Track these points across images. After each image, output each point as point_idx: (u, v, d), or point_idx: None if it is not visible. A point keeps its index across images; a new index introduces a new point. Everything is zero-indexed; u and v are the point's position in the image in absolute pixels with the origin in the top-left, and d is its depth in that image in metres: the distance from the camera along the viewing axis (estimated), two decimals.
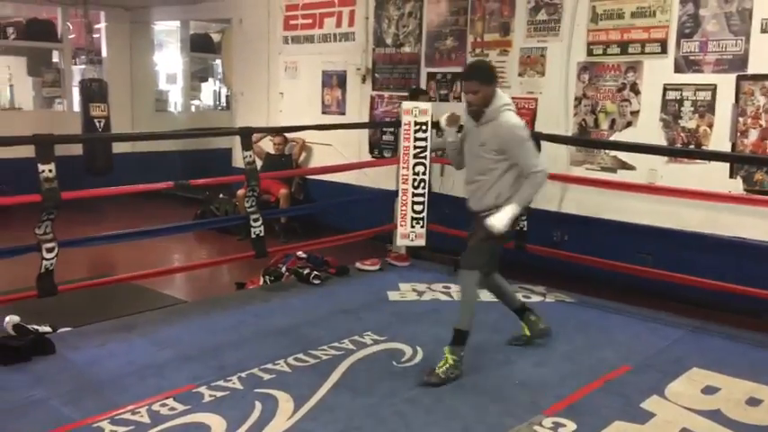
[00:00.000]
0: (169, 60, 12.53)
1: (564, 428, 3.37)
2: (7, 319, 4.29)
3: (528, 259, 5.97)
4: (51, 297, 4.50)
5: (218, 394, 3.65)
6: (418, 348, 4.33)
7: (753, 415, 3.56)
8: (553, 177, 5.92)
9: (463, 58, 7.00)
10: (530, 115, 6.55)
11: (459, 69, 7.03)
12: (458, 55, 7.07)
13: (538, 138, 5.91)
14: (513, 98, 6.46)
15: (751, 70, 5.27)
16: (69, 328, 4.57)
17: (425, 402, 3.64)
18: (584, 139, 6.22)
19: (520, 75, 6.61)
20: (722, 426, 3.43)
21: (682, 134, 5.66)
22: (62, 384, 3.76)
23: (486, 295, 4.43)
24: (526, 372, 4.08)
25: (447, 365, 3.88)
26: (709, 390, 3.84)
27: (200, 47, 12.37)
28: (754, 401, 3.72)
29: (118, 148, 9.19)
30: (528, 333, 4.47)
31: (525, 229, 5.82)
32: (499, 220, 3.86)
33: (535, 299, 5.46)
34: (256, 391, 3.69)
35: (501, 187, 3.96)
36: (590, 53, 6.12)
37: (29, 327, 4.31)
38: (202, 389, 3.69)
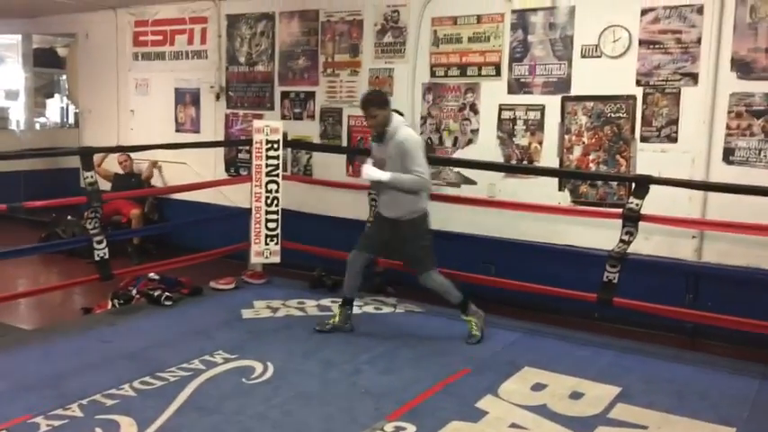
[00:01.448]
0: (10, 75, 11.80)
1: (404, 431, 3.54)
2: None
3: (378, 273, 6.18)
4: None
5: (56, 423, 3.53)
6: (269, 364, 4.38)
7: (575, 408, 3.91)
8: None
9: (316, 77, 7.16)
10: None
11: (312, 89, 7.20)
12: (310, 74, 7.22)
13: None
14: (363, 116, 6.83)
15: (573, 92, 5.78)
16: None
17: (273, 417, 3.71)
18: (430, 157, 6.48)
19: None
20: (547, 419, 3.75)
21: (516, 151, 6.09)
22: None
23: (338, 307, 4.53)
24: (372, 380, 4.24)
25: (476, 322, 4.92)
26: (538, 387, 4.17)
27: (45, 61, 11.76)
28: (576, 395, 4.08)
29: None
30: (335, 321, 5.07)
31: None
32: (371, 170, 4.81)
33: (386, 310, 5.67)
34: (97, 417, 3.60)
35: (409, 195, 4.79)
36: (433, 74, 6.46)
37: None
38: (39, 419, 3.56)
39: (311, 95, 7.23)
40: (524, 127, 6.03)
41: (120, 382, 4.03)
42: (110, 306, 5.65)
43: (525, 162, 6.04)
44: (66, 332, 4.96)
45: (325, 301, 5.81)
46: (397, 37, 6.62)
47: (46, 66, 11.83)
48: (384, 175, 4.75)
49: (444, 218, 6.36)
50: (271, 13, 7.43)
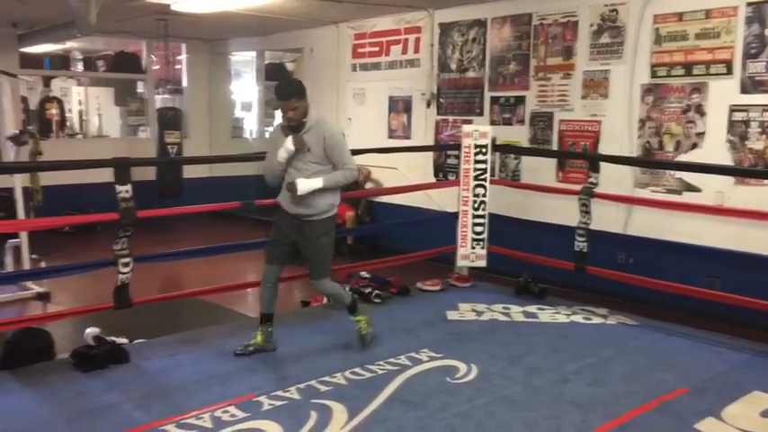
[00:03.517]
0: (245, 89, 13.04)
1: None
2: (88, 330, 4.60)
3: (589, 281, 5.95)
4: (128, 311, 4.78)
5: (277, 403, 3.82)
6: (473, 366, 4.39)
7: None
8: (617, 199, 5.96)
9: (526, 81, 7.08)
10: (593, 137, 6.56)
11: (522, 93, 7.13)
12: (521, 78, 7.15)
13: (598, 159, 5.97)
14: (575, 121, 6.65)
15: None
16: (143, 340, 4.85)
17: (477, 417, 3.70)
18: (650, 161, 6.16)
19: (583, 97, 6.62)
20: None
21: (749, 155, 5.55)
22: (134, 390, 4.02)
23: (546, 315, 4.42)
24: (580, 390, 4.08)
25: (367, 319, 4.74)
26: None
27: (275, 75, 12.82)
28: None
29: (196, 172, 9.66)
30: (256, 342, 4.66)
31: (586, 250, 5.79)
32: (305, 183, 4.31)
33: (596, 320, 5.43)
34: (313, 401, 3.84)
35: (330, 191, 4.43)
36: (654, 75, 6.09)
37: (107, 338, 4.61)
38: (262, 398, 3.87)
39: (521, 100, 7.15)
40: (759, 129, 5.47)
41: (334, 370, 4.27)
42: (325, 301, 6.00)
43: (760, 167, 5.48)
44: (287, 322, 5.33)
45: (531, 308, 5.70)
46: (615, 37, 6.34)
47: (276, 79, 12.87)
48: (317, 183, 4.31)
49: (661, 226, 6.01)
50: (483, 19, 7.47)
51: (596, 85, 6.51)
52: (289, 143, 4.34)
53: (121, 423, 3.59)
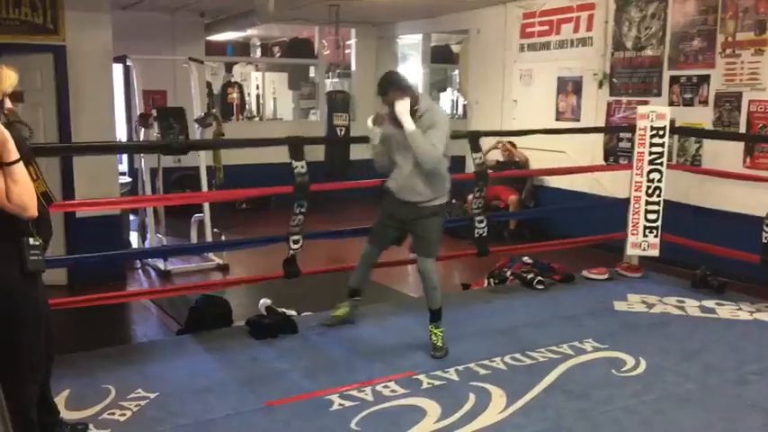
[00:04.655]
0: (411, 72, 13.16)
1: None
2: (261, 301, 4.90)
3: None
4: (297, 286, 5.02)
5: (436, 383, 3.85)
6: (641, 359, 4.17)
7: None
8: None
9: (712, 59, 6.55)
10: None
11: (706, 71, 6.61)
12: (705, 56, 6.63)
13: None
14: (762, 101, 6.08)
15: None
16: (310, 313, 5.08)
17: (645, 413, 3.52)
18: None
19: None
20: None
21: None
22: (302, 359, 4.23)
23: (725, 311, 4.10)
24: (763, 393, 3.76)
25: (442, 337, 4.29)
26: None
27: (440, 58, 12.86)
28: None
29: (360, 153, 9.91)
30: (340, 314, 4.72)
31: None
32: (403, 106, 4.09)
33: None
34: (472, 383, 3.83)
35: (444, 178, 4.29)
36: None
37: (278, 309, 4.88)
38: (422, 376, 3.92)
39: (705, 79, 6.63)
40: None
41: (493, 354, 4.23)
42: (485, 284, 5.96)
43: None
44: (447, 303, 5.29)
45: (709, 303, 5.31)
46: None
47: (441, 62, 12.94)
48: (411, 125, 4.06)
49: None
50: None
51: None
52: (369, 122, 4.40)
53: (291, 389, 3.80)
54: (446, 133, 4.19)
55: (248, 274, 6.64)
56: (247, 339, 4.52)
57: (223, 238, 7.19)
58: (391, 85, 4.22)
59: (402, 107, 4.11)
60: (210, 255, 7.25)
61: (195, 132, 7.41)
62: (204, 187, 7.31)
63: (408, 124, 4.08)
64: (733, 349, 4.41)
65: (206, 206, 7.28)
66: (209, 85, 10.92)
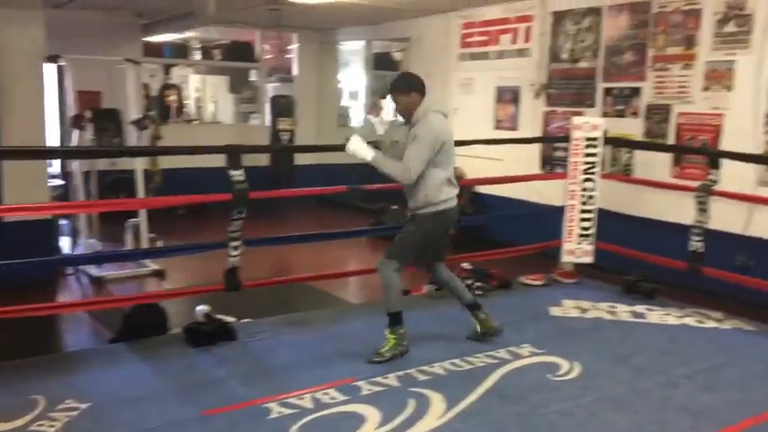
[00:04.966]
0: (353, 78, 13.20)
1: None
2: (199, 308, 4.80)
3: (703, 283, 5.66)
4: (236, 291, 4.96)
5: (376, 389, 3.86)
6: (576, 363, 4.27)
7: None
8: (738, 198, 5.63)
9: (642, 72, 6.79)
10: (714, 132, 6.22)
11: (637, 84, 6.85)
12: (637, 69, 6.86)
13: (720, 155, 5.65)
14: (695, 114, 6.32)
15: None
16: (250, 320, 5.02)
17: (579, 416, 3.61)
18: None
19: (704, 89, 6.29)
20: None
21: None
22: (240, 367, 4.17)
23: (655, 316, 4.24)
24: (690, 396, 3.89)
25: (389, 345, 4.28)
26: None
27: (382, 65, 12.91)
28: None
29: (302, 159, 9.87)
30: (479, 329, 4.63)
31: (701, 251, 5.51)
32: (354, 143, 4.23)
33: (710, 324, 5.16)
34: (411, 389, 3.85)
35: (427, 187, 4.25)
36: None
37: (216, 316, 4.80)
38: (362, 383, 3.92)
39: (636, 91, 6.87)
40: None
41: (433, 360, 4.26)
42: (424, 290, 6.00)
43: None
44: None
45: (640, 308, 5.48)
46: (742, 26, 5.97)
47: (383, 68, 12.99)
48: (367, 153, 4.18)
49: None
50: (598, 7, 7.22)
51: (719, 77, 6.16)
52: (352, 140, 4.37)
53: (228, 398, 3.74)
54: (428, 147, 4.15)
55: (186, 280, 6.53)
56: (184, 347, 4.44)
57: (160, 243, 7.04)
58: (394, 88, 4.32)
59: (354, 145, 4.23)
60: (146, 261, 7.09)
61: (132, 135, 7.24)
62: (140, 192, 7.14)
63: (364, 155, 4.20)
64: (662, 353, 4.56)
65: (142, 210, 7.12)
66: (146, 86, 10.68)
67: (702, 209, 5.49)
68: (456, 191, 4.45)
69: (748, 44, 5.94)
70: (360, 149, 4.22)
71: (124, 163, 7.41)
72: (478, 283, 5.82)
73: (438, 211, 4.32)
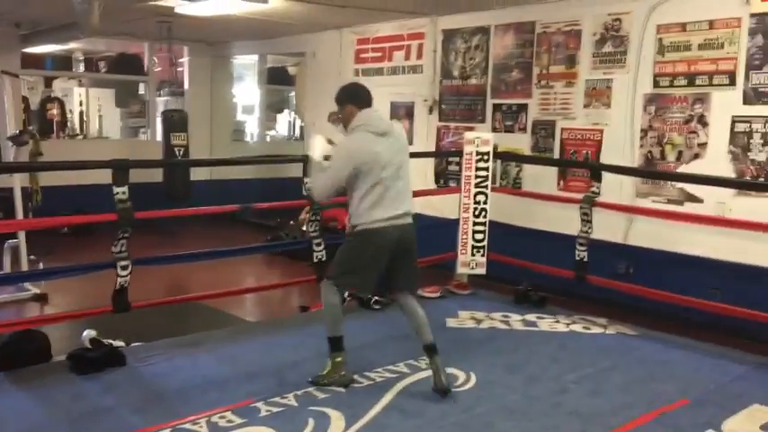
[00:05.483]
0: (247, 92, 13.03)
1: None
2: (85, 333, 4.57)
3: (589, 291, 5.94)
4: (127, 314, 4.76)
5: (274, 410, 3.80)
6: (472, 374, 4.37)
7: None
8: (618, 209, 5.95)
9: (529, 89, 7.07)
10: (595, 146, 6.54)
11: (524, 101, 7.12)
12: (524, 86, 7.14)
13: (600, 168, 5.95)
14: (577, 129, 6.63)
15: None
16: (140, 343, 4.83)
17: (475, 426, 3.68)
18: (651, 171, 6.15)
19: (585, 106, 6.61)
20: None
21: (751, 167, 5.53)
22: (130, 394, 4.00)
23: (545, 324, 4.38)
24: (580, 401, 4.06)
25: (326, 370, 4.15)
26: None
27: (277, 79, 12.85)
28: None
29: (197, 175, 9.62)
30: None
31: (586, 260, 5.78)
32: (316, 140, 4.18)
33: (595, 330, 5.41)
34: (310, 408, 3.82)
35: (353, 207, 4.08)
36: (656, 85, 6.08)
37: (104, 341, 4.58)
38: (259, 404, 3.85)
39: (523, 108, 7.15)
40: (762, 141, 5.46)
41: None
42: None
43: (762, 179, 5.47)
44: (286, 327, 5.32)
45: (531, 317, 5.68)
46: (618, 46, 6.33)
47: (278, 83, 12.92)
48: (316, 155, 4.11)
49: (662, 236, 6.00)
50: (486, 26, 7.47)
51: (599, 94, 6.50)
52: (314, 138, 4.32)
53: (117, 427, 3.58)
54: (336, 169, 4.00)
55: (70, 303, 6.19)
56: (69, 375, 4.21)
57: (41, 265, 6.65)
58: (336, 101, 4.20)
59: (316, 141, 4.17)
60: (26, 284, 6.67)
61: (9, 151, 6.82)
62: (19, 212, 6.72)
63: (313, 155, 4.13)
64: (553, 360, 4.74)
65: (21, 230, 6.70)
66: (25, 100, 10.11)
67: (586, 220, 5.76)
68: (399, 211, 4.13)
69: (624, 63, 6.30)
70: (316, 147, 4.13)
71: (1, 180, 6.96)
72: (377, 298, 5.85)
73: (366, 229, 4.05)
